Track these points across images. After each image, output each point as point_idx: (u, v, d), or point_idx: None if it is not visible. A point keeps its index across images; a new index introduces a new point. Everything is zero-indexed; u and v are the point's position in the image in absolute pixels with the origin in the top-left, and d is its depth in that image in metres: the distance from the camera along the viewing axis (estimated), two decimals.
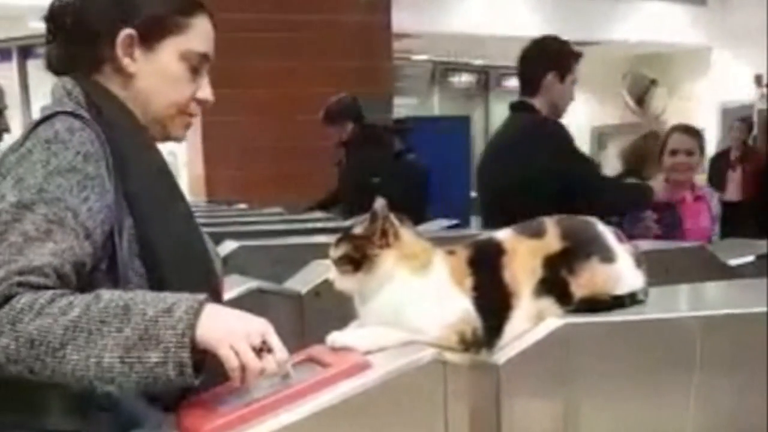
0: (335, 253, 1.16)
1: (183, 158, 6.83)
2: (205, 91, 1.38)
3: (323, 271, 1.66)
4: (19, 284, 1.07)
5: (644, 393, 1.13)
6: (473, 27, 9.77)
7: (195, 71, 1.36)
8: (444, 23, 9.30)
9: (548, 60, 2.96)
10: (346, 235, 1.17)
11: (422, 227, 2.92)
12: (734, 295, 1.47)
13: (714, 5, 10.82)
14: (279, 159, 6.09)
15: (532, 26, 10.32)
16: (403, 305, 1.12)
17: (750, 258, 2.25)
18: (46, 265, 1.10)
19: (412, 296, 1.12)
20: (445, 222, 3.59)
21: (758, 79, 10.27)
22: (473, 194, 10.60)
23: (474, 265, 1.15)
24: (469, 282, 1.13)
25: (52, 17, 1.36)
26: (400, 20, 7.18)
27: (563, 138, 2.87)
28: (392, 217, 1.15)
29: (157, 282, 1.21)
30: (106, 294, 1.10)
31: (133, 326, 1.06)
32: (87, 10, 1.33)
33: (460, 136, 8.09)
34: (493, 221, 2.75)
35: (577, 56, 2.99)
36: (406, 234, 1.16)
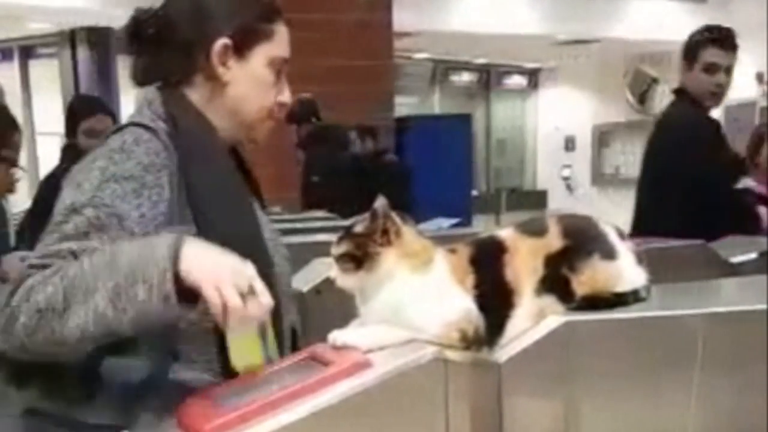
0: (337, 251, 1.16)
1: None
2: (285, 95, 1.44)
3: (324, 269, 1.66)
4: (31, 266, 1.16)
5: (646, 391, 1.12)
6: (474, 25, 9.76)
7: (278, 76, 1.42)
8: (444, 22, 9.30)
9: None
10: (347, 233, 1.17)
11: (423, 226, 2.92)
12: (736, 293, 1.47)
13: (714, 3, 10.81)
14: (279, 158, 6.08)
15: (533, 24, 10.33)
16: (404, 303, 1.12)
17: (752, 255, 2.25)
18: (63, 249, 1.17)
19: (414, 294, 1.12)
20: (446, 221, 3.60)
21: (760, 77, 10.26)
22: (474, 192, 10.61)
23: (475, 263, 1.15)
24: (470, 280, 1.13)
25: (137, 29, 1.40)
26: (401, 19, 7.18)
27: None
28: (394, 215, 1.15)
29: None
30: (98, 251, 1.16)
31: (121, 271, 1.11)
32: (178, 21, 1.38)
33: (461, 134, 8.09)
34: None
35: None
36: (408, 232, 1.16)
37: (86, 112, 3.59)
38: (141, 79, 1.42)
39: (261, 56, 1.40)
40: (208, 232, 1.26)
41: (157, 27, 1.38)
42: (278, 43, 1.42)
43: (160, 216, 1.26)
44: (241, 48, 1.38)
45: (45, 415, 1.17)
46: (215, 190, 1.34)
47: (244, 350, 1.16)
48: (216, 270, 1.11)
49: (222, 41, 1.36)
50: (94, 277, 1.11)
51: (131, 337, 1.17)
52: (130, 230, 1.22)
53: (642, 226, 2.93)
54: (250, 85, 1.40)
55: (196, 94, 1.39)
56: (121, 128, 1.34)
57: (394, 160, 5.66)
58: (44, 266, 1.16)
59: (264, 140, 1.46)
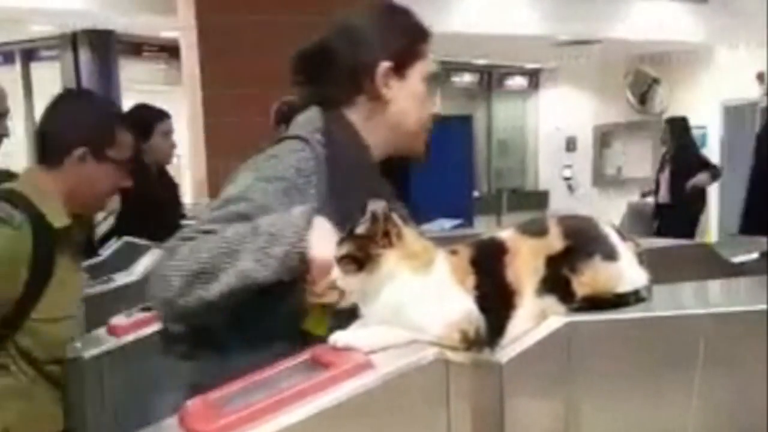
0: (338, 252, 1.17)
1: (186, 160, 6.84)
2: (434, 105, 1.60)
3: None
4: (182, 238, 1.31)
5: (648, 391, 1.13)
6: (475, 26, 9.76)
7: (429, 89, 1.57)
8: (445, 23, 9.29)
9: None
10: (349, 235, 1.17)
11: (425, 227, 2.92)
12: (738, 293, 1.47)
13: (715, 3, 10.80)
14: None
15: (534, 25, 10.33)
16: (405, 304, 1.12)
17: (754, 255, 2.25)
18: (210, 228, 1.32)
19: (415, 295, 1.12)
20: (448, 221, 3.60)
21: (760, 77, 10.25)
22: (476, 193, 10.62)
23: (476, 264, 1.15)
24: (471, 281, 1.13)
25: (303, 62, 1.57)
26: None
27: None
28: (394, 216, 1.16)
29: None
30: (238, 223, 1.32)
31: (263, 235, 1.27)
32: (342, 50, 1.53)
33: (462, 135, 8.10)
34: None
35: None
36: (409, 234, 1.16)
37: (160, 117, 3.98)
38: (307, 102, 1.57)
39: (417, 73, 1.54)
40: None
41: (321, 57, 1.54)
42: (428, 60, 1.57)
43: None
44: (401, 69, 1.53)
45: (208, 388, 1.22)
46: (357, 199, 1.38)
47: (316, 318, 1.31)
48: (326, 241, 1.24)
49: (385, 65, 1.51)
50: (239, 241, 1.27)
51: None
52: None
53: (752, 225, 2.94)
54: (409, 101, 1.54)
55: (355, 114, 1.53)
56: (281, 139, 1.51)
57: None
58: (192, 239, 1.31)
59: (422, 149, 1.61)
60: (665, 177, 8.07)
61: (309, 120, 1.52)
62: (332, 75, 1.53)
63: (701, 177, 7.81)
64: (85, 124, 2.09)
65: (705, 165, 8.06)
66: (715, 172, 8.03)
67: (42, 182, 2.04)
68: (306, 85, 1.58)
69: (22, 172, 2.20)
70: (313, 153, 1.45)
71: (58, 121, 2.12)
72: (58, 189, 2.03)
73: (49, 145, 2.08)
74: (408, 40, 1.55)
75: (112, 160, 2.09)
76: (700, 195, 8.05)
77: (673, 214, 7.73)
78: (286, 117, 5.21)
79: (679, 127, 8.11)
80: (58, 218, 2.00)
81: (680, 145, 8.03)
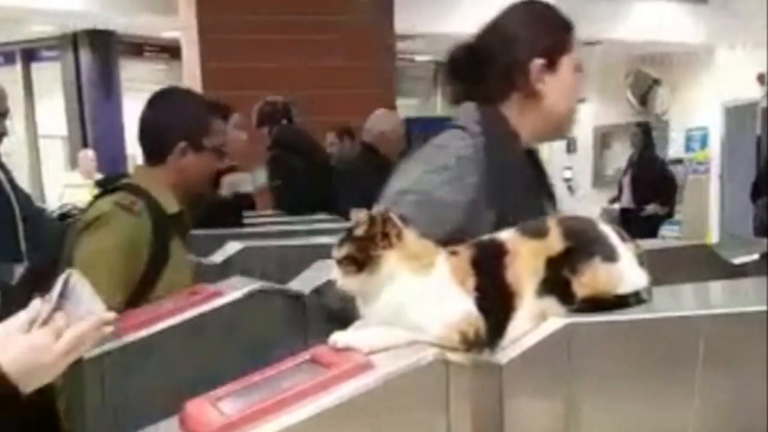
0: (339, 253, 1.16)
1: None
2: (582, 92, 1.72)
3: (327, 271, 1.66)
4: None
5: (647, 392, 1.13)
6: (475, 27, 9.75)
7: (578, 77, 1.66)
8: (446, 24, 9.29)
9: None
10: (349, 235, 1.17)
11: None
12: (738, 294, 1.47)
13: (716, 4, 10.80)
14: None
15: None
16: (405, 305, 1.12)
17: (755, 256, 2.25)
18: None
19: (415, 296, 1.12)
20: None
21: (761, 78, 10.26)
22: None
23: (477, 265, 1.15)
24: (471, 282, 1.13)
25: (456, 61, 1.69)
26: (403, 21, 7.18)
27: None
28: (394, 218, 1.16)
29: None
30: None
31: None
32: (495, 50, 1.63)
33: None
34: None
35: None
36: (409, 235, 1.16)
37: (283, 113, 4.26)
38: (461, 99, 1.68)
39: (567, 65, 1.63)
40: (504, 218, 1.43)
41: (475, 57, 1.64)
42: (575, 49, 1.65)
43: (469, 203, 1.51)
44: (552, 63, 1.62)
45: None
46: (511, 184, 1.57)
47: None
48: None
49: (538, 62, 1.60)
50: None
51: None
52: (445, 214, 1.48)
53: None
54: (561, 93, 1.63)
55: (509, 110, 1.63)
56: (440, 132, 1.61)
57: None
58: None
59: (570, 131, 1.74)
60: (627, 182, 8.12)
61: (466, 113, 1.62)
62: (487, 74, 1.63)
63: (653, 207, 7.83)
64: (182, 120, 2.26)
65: (664, 176, 8.11)
66: (668, 210, 8.06)
67: (151, 176, 2.23)
68: (460, 83, 1.69)
69: (132, 170, 2.37)
70: (473, 141, 1.56)
71: (155, 122, 2.27)
72: (165, 182, 2.21)
73: (151, 145, 2.26)
74: (557, 35, 1.64)
75: (209, 148, 2.26)
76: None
77: (636, 218, 7.73)
78: (269, 117, 5.23)
79: (641, 133, 8.17)
80: (171, 205, 2.18)
81: (643, 151, 8.09)
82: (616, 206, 8.56)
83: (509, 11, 1.69)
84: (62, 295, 1.17)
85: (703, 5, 10.94)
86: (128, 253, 2.06)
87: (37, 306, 1.18)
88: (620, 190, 8.33)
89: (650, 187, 7.87)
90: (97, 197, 2.23)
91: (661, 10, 10.75)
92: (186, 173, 2.22)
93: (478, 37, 1.68)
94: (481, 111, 1.61)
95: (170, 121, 2.25)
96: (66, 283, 1.18)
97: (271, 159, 4.68)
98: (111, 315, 1.21)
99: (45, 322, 1.15)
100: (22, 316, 1.17)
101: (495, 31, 1.67)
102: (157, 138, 2.24)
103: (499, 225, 1.37)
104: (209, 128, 2.28)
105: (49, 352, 1.14)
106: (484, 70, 1.63)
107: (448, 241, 1.25)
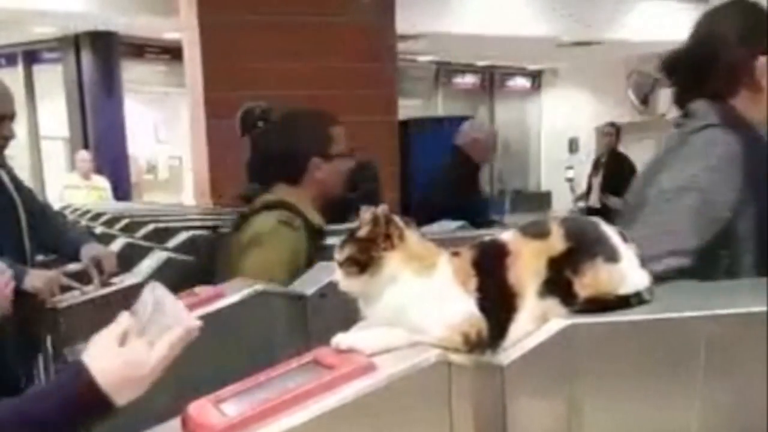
0: (341, 255, 1.16)
1: (188, 161, 6.85)
2: None
3: (328, 272, 1.66)
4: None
5: (650, 393, 1.13)
6: (477, 27, 9.77)
7: None
8: (448, 24, 9.31)
9: None
10: (351, 237, 1.17)
11: (429, 228, 2.93)
12: (740, 295, 1.47)
13: (716, 3, 10.79)
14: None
15: (536, 26, 10.33)
16: (407, 306, 1.12)
17: None
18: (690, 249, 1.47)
19: (417, 297, 1.12)
20: (453, 222, 3.59)
21: None
22: None
23: (478, 266, 1.15)
24: (473, 283, 1.13)
25: (676, 61, 1.75)
26: (404, 21, 7.19)
27: None
28: (396, 219, 1.16)
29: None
30: None
31: None
32: (719, 49, 1.67)
33: None
34: None
35: None
36: (411, 236, 1.16)
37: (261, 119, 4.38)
38: (686, 99, 1.71)
39: None
40: (762, 214, 1.52)
41: (697, 55, 1.70)
42: None
43: (737, 201, 1.53)
44: None
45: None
46: (765, 179, 1.59)
47: None
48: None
49: (763, 59, 1.64)
50: None
51: None
52: (721, 213, 1.52)
53: None
54: None
55: (741, 105, 1.67)
56: (699, 129, 1.63)
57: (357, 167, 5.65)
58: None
59: None
60: (597, 182, 8.11)
61: (706, 111, 1.66)
62: (711, 72, 1.67)
63: (614, 201, 7.84)
64: (306, 139, 2.45)
65: (634, 174, 8.08)
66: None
67: (294, 195, 2.43)
68: (681, 81, 1.74)
69: (274, 190, 2.50)
70: (734, 138, 1.59)
71: (282, 145, 2.47)
72: (306, 197, 2.43)
73: (285, 169, 2.45)
74: None
75: (336, 155, 2.45)
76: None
77: (603, 219, 7.70)
78: (251, 124, 5.24)
79: (615, 132, 8.18)
80: (316, 219, 2.42)
81: (611, 151, 8.09)
82: (582, 204, 8.59)
83: (720, 11, 1.75)
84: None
85: (704, 5, 10.92)
86: (290, 265, 2.25)
87: (127, 318, 1.20)
88: (589, 190, 8.33)
89: (622, 186, 7.83)
90: (251, 213, 2.44)
91: (661, 10, 10.75)
92: (324, 185, 2.45)
93: (695, 39, 1.73)
94: (716, 109, 1.66)
95: (297, 144, 2.44)
96: (152, 294, 1.21)
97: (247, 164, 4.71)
98: (198, 323, 1.24)
99: (138, 334, 1.18)
100: (113, 329, 1.19)
101: (711, 32, 1.72)
102: (287, 162, 2.44)
103: (757, 223, 1.49)
104: (332, 137, 2.46)
105: (146, 365, 1.17)
106: (707, 70, 1.69)
107: (712, 241, 1.37)
